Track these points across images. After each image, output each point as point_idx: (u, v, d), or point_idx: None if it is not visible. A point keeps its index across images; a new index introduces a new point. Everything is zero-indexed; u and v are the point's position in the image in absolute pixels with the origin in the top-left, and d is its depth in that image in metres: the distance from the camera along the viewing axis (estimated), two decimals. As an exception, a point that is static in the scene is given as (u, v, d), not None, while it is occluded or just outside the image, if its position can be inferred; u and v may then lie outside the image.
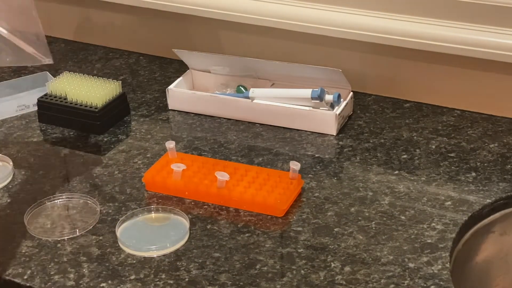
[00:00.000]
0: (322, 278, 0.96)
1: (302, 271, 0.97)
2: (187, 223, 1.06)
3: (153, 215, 1.09)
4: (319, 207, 1.09)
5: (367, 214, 1.07)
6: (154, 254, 1.01)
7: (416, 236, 1.02)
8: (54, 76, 1.40)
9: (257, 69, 1.35)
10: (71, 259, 1.02)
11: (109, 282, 0.97)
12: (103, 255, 1.02)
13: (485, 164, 1.17)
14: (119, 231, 1.05)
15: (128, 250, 1.02)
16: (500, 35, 1.23)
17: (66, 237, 1.05)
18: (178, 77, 1.39)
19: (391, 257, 0.99)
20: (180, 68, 1.47)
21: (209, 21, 1.44)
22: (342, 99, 1.28)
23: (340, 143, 1.25)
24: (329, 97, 1.26)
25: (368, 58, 1.36)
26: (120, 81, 1.35)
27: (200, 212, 1.09)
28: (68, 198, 1.13)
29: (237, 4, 1.39)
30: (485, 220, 1.09)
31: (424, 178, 1.14)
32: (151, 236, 1.05)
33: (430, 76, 1.33)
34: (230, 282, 0.96)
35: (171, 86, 1.36)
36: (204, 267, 0.99)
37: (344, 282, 0.95)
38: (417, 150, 1.22)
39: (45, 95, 1.34)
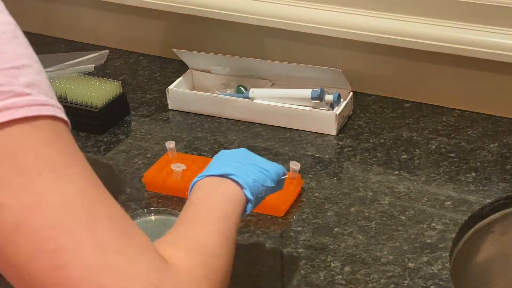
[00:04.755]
0: (322, 278, 0.96)
1: (302, 271, 0.97)
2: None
3: (152, 217, 1.09)
4: (319, 207, 1.09)
5: (367, 214, 1.07)
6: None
7: (416, 236, 1.02)
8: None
9: (257, 69, 1.35)
10: (71, 259, 1.01)
11: (109, 282, 0.97)
12: (103, 255, 1.02)
13: (485, 164, 1.17)
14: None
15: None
16: (500, 35, 1.23)
17: (66, 237, 1.05)
18: (178, 77, 1.39)
19: (391, 257, 0.99)
20: (180, 68, 1.47)
21: (209, 21, 1.44)
22: (342, 99, 1.28)
23: (340, 143, 1.25)
24: (329, 97, 1.26)
25: (368, 58, 1.36)
26: (120, 81, 1.36)
27: (200, 212, 1.09)
28: (68, 198, 1.13)
29: (237, 4, 1.39)
30: (485, 220, 1.09)
31: (424, 178, 1.15)
32: (150, 238, 1.05)
33: (430, 76, 1.33)
34: (230, 282, 0.96)
35: (171, 86, 1.36)
36: (204, 267, 0.98)
37: (344, 282, 0.95)
38: (417, 150, 1.22)
39: (45, 95, 1.34)
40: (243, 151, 0.92)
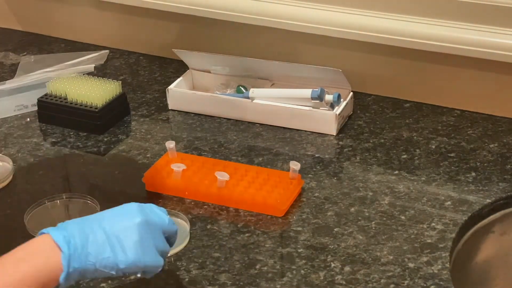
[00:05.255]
0: (322, 278, 0.96)
1: (302, 271, 0.97)
2: (187, 226, 1.05)
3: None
4: (319, 207, 1.09)
5: (367, 214, 1.07)
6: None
7: (416, 236, 1.02)
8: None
9: (257, 69, 1.35)
10: (71, 259, 1.01)
11: (109, 282, 0.97)
12: (103, 255, 1.02)
13: (485, 164, 1.17)
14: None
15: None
16: (500, 35, 1.23)
17: (66, 237, 1.05)
18: (178, 77, 1.39)
19: (391, 257, 0.99)
20: (180, 68, 1.47)
21: (209, 21, 1.44)
22: (342, 99, 1.28)
23: (340, 143, 1.25)
24: (329, 97, 1.26)
25: (368, 58, 1.36)
26: (120, 81, 1.36)
27: (200, 212, 1.09)
28: (68, 198, 1.13)
29: (237, 4, 1.39)
30: (485, 220, 1.09)
31: (424, 178, 1.14)
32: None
33: (430, 76, 1.33)
34: (230, 282, 0.96)
35: (171, 86, 1.36)
36: (204, 267, 0.99)
37: (344, 282, 0.95)
38: (417, 150, 1.22)
39: (45, 95, 1.34)
40: (135, 222, 0.85)
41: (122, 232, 0.84)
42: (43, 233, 0.83)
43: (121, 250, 0.83)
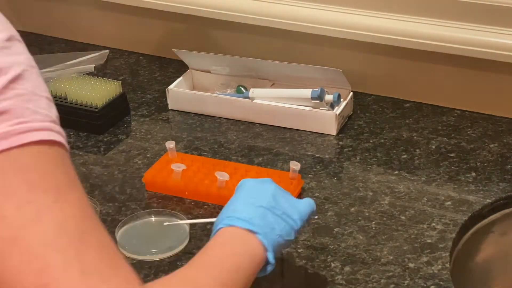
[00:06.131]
0: (322, 278, 0.96)
1: (302, 271, 0.97)
2: (187, 227, 1.05)
3: (153, 218, 1.08)
4: (319, 207, 1.09)
5: (367, 214, 1.07)
6: (154, 258, 1.01)
7: (416, 236, 1.02)
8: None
9: (257, 69, 1.35)
10: (71, 259, 1.01)
11: None
12: (103, 255, 1.01)
13: (485, 164, 1.17)
14: (118, 234, 1.04)
15: (127, 254, 1.02)
16: (500, 35, 1.23)
17: (66, 237, 1.05)
18: (178, 77, 1.39)
19: (391, 257, 0.99)
20: (180, 68, 1.47)
21: (209, 21, 1.44)
22: (342, 99, 1.28)
23: (340, 143, 1.25)
24: (329, 97, 1.26)
25: (368, 58, 1.36)
26: (120, 81, 1.36)
27: (200, 212, 1.09)
28: (68, 198, 1.13)
29: (237, 4, 1.39)
30: (485, 220, 1.09)
31: (424, 178, 1.15)
32: (150, 239, 1.05)
33: (430, 76, 1.33)
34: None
35: (171, 86, 1.36)
36: (204, 267, 0.98)
37: (344, 282, 0.95)
38: (417, 150, 1.22)
39: (45, 95, 1.34)
40: (272, 189, 0.87)
41: (273, 201, 0.85)
42: (220, 227, 0.82)
43: (286, 215, 0.85)
